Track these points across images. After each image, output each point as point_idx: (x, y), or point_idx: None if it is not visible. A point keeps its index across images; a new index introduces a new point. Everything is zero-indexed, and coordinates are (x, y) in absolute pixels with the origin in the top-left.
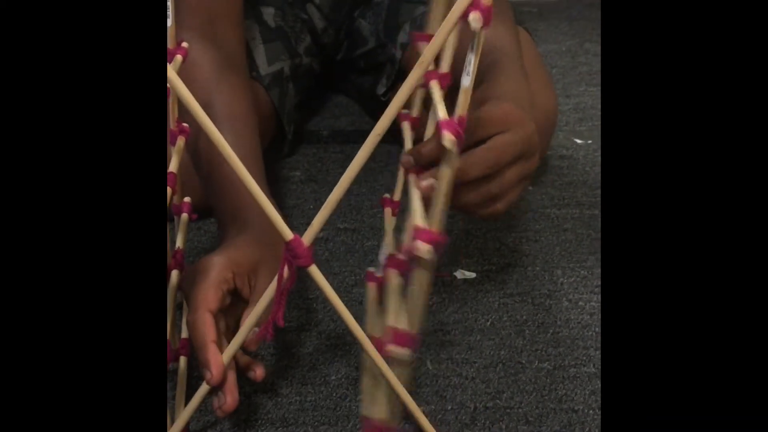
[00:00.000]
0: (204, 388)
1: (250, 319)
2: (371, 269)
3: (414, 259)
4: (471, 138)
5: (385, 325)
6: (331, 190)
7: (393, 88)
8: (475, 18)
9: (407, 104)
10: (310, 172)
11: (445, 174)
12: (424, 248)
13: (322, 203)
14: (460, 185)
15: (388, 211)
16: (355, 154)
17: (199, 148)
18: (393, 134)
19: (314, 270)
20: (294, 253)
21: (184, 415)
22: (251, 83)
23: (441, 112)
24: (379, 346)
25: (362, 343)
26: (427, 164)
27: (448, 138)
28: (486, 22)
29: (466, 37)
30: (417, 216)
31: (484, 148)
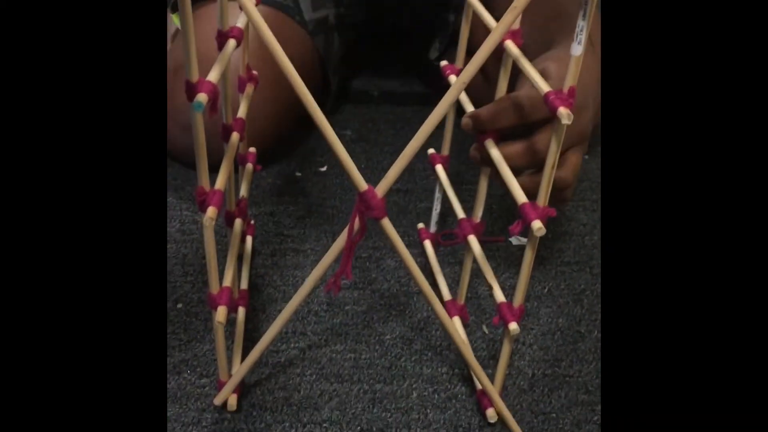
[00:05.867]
0: (263, 342)
1: (316, 271)
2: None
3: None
4: (534, 115)
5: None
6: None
7: (446, 53)
8: None
9: (451, 58)
10: (360, 132)
11: (554, 146)
12: (535, 226)
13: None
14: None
15: (439, 167)
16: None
17: None
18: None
19: (386, 222)
20: (368, 205)
21: (241, 369)
22: (297, 29)
23: (540, 81)
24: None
25: (430, 299)
26: (484, 130)
27: (565, 114)
28: None
29: None
30: (520, 197)
31: (541, 136)
